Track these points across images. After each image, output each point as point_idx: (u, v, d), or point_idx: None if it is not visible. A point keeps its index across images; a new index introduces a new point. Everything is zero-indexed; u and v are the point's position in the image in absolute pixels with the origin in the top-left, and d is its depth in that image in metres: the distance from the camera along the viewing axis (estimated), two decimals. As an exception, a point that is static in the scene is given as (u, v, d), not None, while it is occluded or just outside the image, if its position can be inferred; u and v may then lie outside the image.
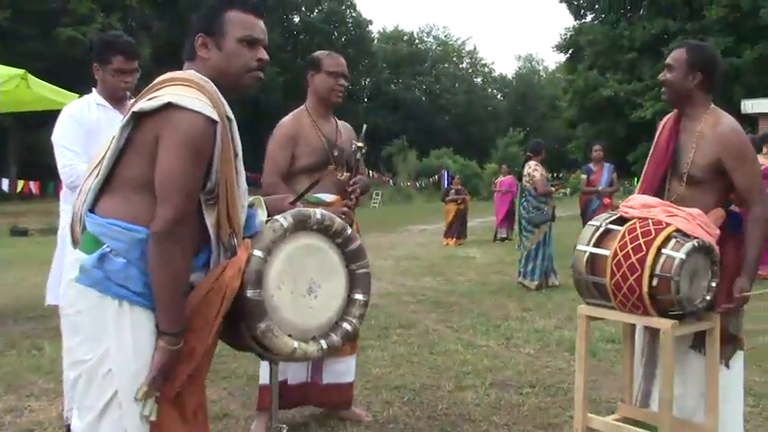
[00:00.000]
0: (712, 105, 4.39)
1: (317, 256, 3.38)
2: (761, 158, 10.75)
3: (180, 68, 3.15)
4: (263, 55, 3.18)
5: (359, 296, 3.53)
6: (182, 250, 2.83)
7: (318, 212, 3.36)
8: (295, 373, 5.41)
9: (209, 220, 2.97)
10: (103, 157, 2.94)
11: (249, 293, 3.04)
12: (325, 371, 5.47)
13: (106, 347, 2.84)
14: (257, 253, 3.11)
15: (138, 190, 2.87)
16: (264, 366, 5.30)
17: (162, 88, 2.93)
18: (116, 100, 5.19)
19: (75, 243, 3.03)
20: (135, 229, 2.84)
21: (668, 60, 4.39)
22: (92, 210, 2.94)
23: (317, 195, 5.20)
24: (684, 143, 4.38)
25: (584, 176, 14.44)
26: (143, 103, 2.87)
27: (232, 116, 3.06)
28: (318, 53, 5.58)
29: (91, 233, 2.88)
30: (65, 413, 5.17)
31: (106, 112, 5.12)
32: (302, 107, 5.52)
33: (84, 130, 5.01)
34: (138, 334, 2.86)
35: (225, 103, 3.04)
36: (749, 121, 25.93)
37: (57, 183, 18.95)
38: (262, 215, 3.30)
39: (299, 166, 5.32)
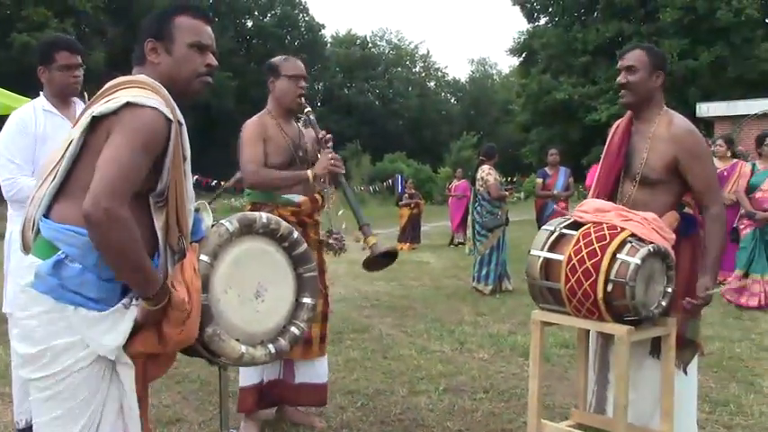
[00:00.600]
0: (665, 107, 4.40)
1: (264, 260, 3.38)
2: (759, 163, 10.84)
3: (131, 74, 3.14)
4: (212, 60, 3.22)
5: (307, 300, 3.55)
6: (118, 228, 2.74)
7: (264, 216, 3.37)
8: (269, 372, 5.46)
9: (158, 224, 2.95)
10: (58, 162, 2.91)
11: None
12: (297, 371, 5.51)
13: (62, 343, 2.84)
14: (203, 258, 3.14)
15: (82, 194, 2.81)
16: (244, 370, 5.39)
17: (116, 91, 2.94)
18: (65, 98, 5.13)
19: (26, 249, 3.00)
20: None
21: (629, 62, 4.38)
22: (46, 215, 2.91)
23: (286, 196, 5.31)
24: (637, 145, 4.39)
25: (539, 180, 14.42)
26: (101, 107, 2.87)
27: (182, 120, 3.05)
28: (276, 59, 5.60)
29: (45, 239, 2.86)
30: (15, 417, 5.14)
31: (53, 119, 5.05)
32: (264, 111, 5.52)
33: (31, 139, 4.94)
34: (92, 332, 2.86)
35: (176, 107, 3.03)
36: (704, 125, 26.21)
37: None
38: (207, 219, 3.30)
39: (268, 165, 5.33)
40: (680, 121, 4.34)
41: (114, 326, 2.87)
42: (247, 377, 5.39)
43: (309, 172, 5.24)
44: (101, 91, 3.04)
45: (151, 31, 3.14)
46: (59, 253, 2.81)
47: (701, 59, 40.92)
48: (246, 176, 5.27)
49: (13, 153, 4.92)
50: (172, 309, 2.92)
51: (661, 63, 4.38)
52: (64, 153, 2.90)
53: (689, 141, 4.25)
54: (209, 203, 3.45)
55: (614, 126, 4.63)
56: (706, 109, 25.54)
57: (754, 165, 10.91)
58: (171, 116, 2.92)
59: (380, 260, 5.18)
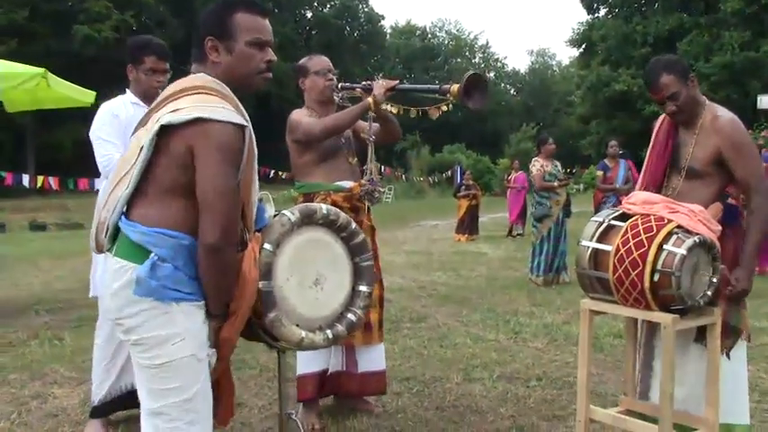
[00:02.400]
0: (707, 100, 4.48)
1: (324, 250, 3.48)
2: None
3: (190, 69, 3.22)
4: (272, 56, 3.25)
5: (363, 288, 3.63)
6: (233, 255, 2.96)
7: (324, 207, 3.47)
8: (333, 363, 5.59)
9: None
10: (132, 166, 2.99)
11: (260, 284, 3.15)
12: (359, 360, 5.63)
13: (164, 334, 2.98)
14: (267, 246, 3.23)
15: (175, 197, 2.96)
16: (301, 357, 5.50)
17: (182, 98, 3.00)
18: (149, 99, 5.31)
19: (98, 249, 3.13)
20: (179, 236, 2.95)
21: (667, 92, 4.40)
22: (129, 218, 3.02)
23: (336, 183, 5.45)
24: (684, 138, 4.47)
25: (599, 173, 13.92)
26: (169, 116, 2.92)
27: (247, 117, 3.11)
28: (301, 60, 5.78)
29: (135, 242, 2.96)
30: (93, 396, 5.36)
31: (141, 110, 5.24)
32: (303, 108, 5.68)
33: (122, 125, 5.15)
34: (193, 322, 3.02)
35: (240, 105, 3.10)
36: (766, 116, 25.88)
37: (75, 179, 19.11)
38: (270, 210, 3.41)
39: (312, 154, 5.50)
40: (724, 113, 4.39)
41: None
42: (307, 365, 5.50)
43: (369, 99, 5.31)
44: (165, 93, 3.11)
45: (211, 28, 3.14)
46: (152, 255, 2.92)
47: (763, 51, 40.23)
48: (316, 134, 5.37)
49: (107, 133, 5.16)
50: None
51: (686, 69, 4.42)
52: (136, 159, 2.98)
53: (732, 133, 4.30)
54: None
55: (660, 120, 4.70)
56: (767, 101, 25.21)
57: None
58: (243, 121, 2.98)
59: (473, 89, 4.95)
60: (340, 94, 5.63)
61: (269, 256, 3.21)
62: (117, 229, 3.08)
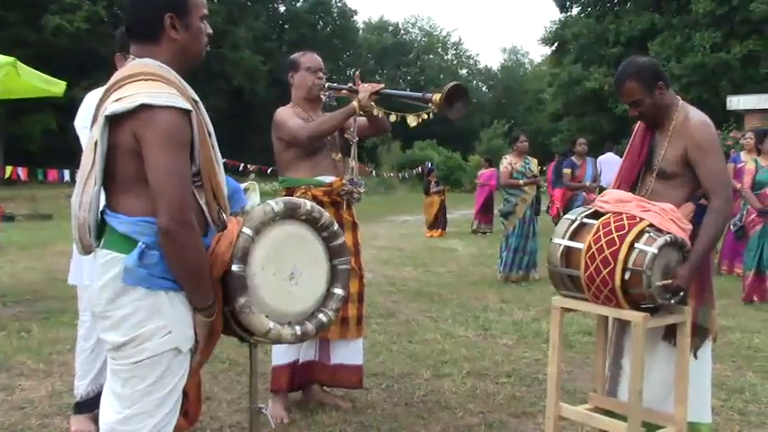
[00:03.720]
0: (681, 101, 4.49)
1: (303, 246, 3.46)
2: (761, 159, 10.81)
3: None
4: (210, 29, 3.24)
5: (338, 291, 3.62)
6: (192, 237, 2.92)
7: (309, 204, 3.45)
8: (305, 353, 5.61)
9: (202, 201, 3.06)
10: (93, 164, 2.95)
11: (234, 267, 3.14)
12: (333, 352, 5.66)
13: (151, 328, 2.95)
14: (246, 231, 3.21)
15: (143, 185, 2.91)
16: (276, 349, 5.52)
17: (126, 85, 2.95)
18: None
19: (86, 251, 3.07)
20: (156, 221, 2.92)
21: (629, 99, 4.46)
22: (114, 210, 3.00)
23: (317, 178, 5.49)
24: (658, 139, 4.49)
25: (567, 171, 13.77)
26: (113, 105, 2.88)
27: (197, 97, 3.09)
28: (295, 54, 5.83)
29: (121, 233, 2.94)
30: (75, 389, 5.32)
31: None
32: (290, 104, 5.72)
33: None
34: (181, 313, 3.02)
35: (188, 86, 3.07)
36: (735, 117, 26.05)
37: (45, 169, 18.97)
38: (255, 198, 3.41)
39: (296, 150, 5.54)
40: (695, 115, 4.42)
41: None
42: (281, 356, 5.54)
43: (354, 102, 5.35)
44: (110, 83, 3.05)
45: (169, 4, 3.05)
46: (140, 244, 2.90)
47: (734, 52, 40.53)
48: (302, 138, 5.43)
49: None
50: None
51: (654, 76, 4.41)
52: (94, 155, 2.94)
53: (699, 134, 4.32)
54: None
55: (639, 122, 4.72)
56: (737, 102, 25.34)
57: (756, 161, 10.84)
58: (187, 105, 2.93)
59: (455, 99, 5.02)
60: (327, 94, 5.64)
61: (247, 241, 3.19)
62: (100, 227, 3.05)
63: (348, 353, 5.69)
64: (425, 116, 5.14)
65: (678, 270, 4.13)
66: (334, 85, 5.69)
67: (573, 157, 13.81)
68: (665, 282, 4.08)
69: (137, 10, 3.11)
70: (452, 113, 5.00)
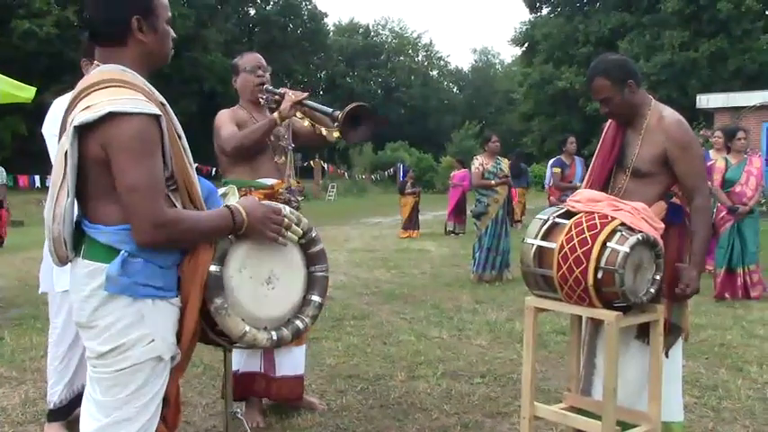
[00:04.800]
0: (653, 100, 4.52)
1: (281, 251, 3.43)
2: (731, 157, 10.87)
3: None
4: (173, 33, 3.24)
5: (315, 298, 3.58)
6: (179, 230, 2.91)
7: (287, 209, 3.43)
8: (248, 362, 5.51)
9: (178, 204, 3.03)
10: (64, 175, 2.90)
11: (212, 268, 3.10)
12: (278, 363, 5.56)
13: (134, 336, 2.93)
14: None
15: (116, 194, 2.88)
16: (237, 354, 5.41)
17: (92, 93, 2.91)
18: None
19: (62, 262, 3.04)
20: None
21: (599, 96, 4.50)
22: (92, 221, 2.96)
23: (259, 180, 5.42)
24: (630, 138, 4.50)
25: (557, 170, 13.26)
26: (80, 115, 2.84)
27: (164, 101, 3.07)
28: (235, 59, 5.83)
29: (102, 243, 2.91)
30: (48, 396, 5.28)
31: None
32: (236, 106, 5.72)
33: None
34: (165, 320, 3.00)
35: (154, 89, 3.04)
36: (704, 116, 26.28)
37: (15, 175, 18.82)
38: (233, 200, 3.39)
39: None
40: (669, 113, 4.44)
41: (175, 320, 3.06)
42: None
43: (276, 114, 5.33)
44: (75, 91, 3.01)
45: (135, 7, 3.03)
46: (122, 252, 2.87)
47: (702, 51, 40.90)
48: (229, 149, 5.38)
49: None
50: None
51: (625, 73, 4.44)
52: (65, 167, 2.89)
53: (678, 133, 4.35)
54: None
55: (609, 121, 4.74)
56: (706, 100, 25.59)
57: (726, 159, 10.90)
58: (156, 110, 2.90)
59: (360, 121, 4.96)
60: (264, 96, 5.61)
61: (226, 243, 3.17)
62: (76, 237, 3.00)
63: (291, 363, 5.60)
64: (336, 134, 5.16)
65: (685, 275, 4.26)
66: (270, 88, 5.61)
67: (562, 156, 13.39)
68: (679, 290, 4.24)
69: (103, 13, 3.06)
70: (352, 136, 4.98)
